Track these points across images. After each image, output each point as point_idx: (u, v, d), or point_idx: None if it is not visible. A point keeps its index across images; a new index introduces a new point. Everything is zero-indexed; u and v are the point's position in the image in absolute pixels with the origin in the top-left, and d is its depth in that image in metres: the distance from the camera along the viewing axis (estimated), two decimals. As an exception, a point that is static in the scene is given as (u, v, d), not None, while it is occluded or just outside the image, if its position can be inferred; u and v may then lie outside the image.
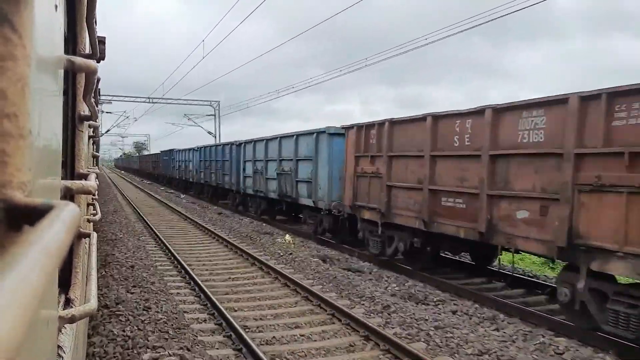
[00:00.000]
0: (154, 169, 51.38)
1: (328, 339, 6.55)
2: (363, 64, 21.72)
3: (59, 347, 1.30)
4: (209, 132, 50.06)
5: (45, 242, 0.32)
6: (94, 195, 3.46)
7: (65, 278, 1.93)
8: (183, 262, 10.57)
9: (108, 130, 52.94)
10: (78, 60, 1.21)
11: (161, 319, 6.91)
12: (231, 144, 23.39)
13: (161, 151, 46.49)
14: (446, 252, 11.75)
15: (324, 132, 14.24)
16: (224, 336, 6.50)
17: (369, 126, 11.64)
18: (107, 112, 48.88)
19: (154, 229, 15.70)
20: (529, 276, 11.02)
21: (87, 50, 2.32)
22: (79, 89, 2.06)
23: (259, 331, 6.70)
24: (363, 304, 8.00)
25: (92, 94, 2.27)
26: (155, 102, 46.71)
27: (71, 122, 2.06)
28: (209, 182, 27.31)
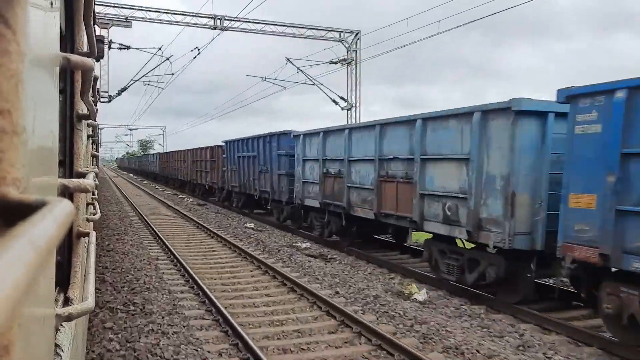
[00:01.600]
0: (205, 177, 28.18)
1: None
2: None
3: (57, 345, 1.30)
4: (339, 100, 26.17)
5: (33, 235, 0.32)
6: (92, 193, 3.46)
7: (65, 277, 1.93)
8: None
9: (126, 87, 25.26)
10: (74, 57, 1.21)
11: None
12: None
13: (226, 142, 23.35)
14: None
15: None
16: None
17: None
18: (121, 47, 23.31)
19: None
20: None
21: (85, 48, 2.32)
22: (76, 88, 2.05)
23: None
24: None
25: (90, 92, 2.27)
26: (228, 29, 23.00)
27: (69, 121, 2.06)
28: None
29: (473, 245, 9.03)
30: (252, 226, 17.52)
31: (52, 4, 0.82)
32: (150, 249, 12.65)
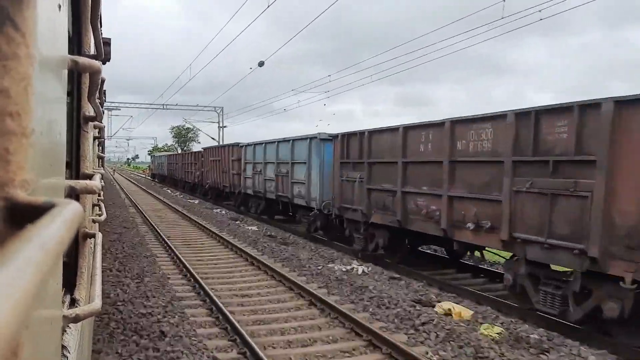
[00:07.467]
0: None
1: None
2: (365, 65, 21.10)
3: (63, 347, 1.30)
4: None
5: (43, 238, 0.32)
6: (99, 195, 3.47)
7: (71, 279, 1.94)
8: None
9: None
10: (82, 60, 1.22)
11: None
12: None
13: None
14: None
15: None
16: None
17: None
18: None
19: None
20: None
21: (92, 51, 2.33)
22: (83, 90, 2.06)
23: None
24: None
25: (97, 95, 2.28)
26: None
27: (76, 123, 2.07)
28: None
29: None
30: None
31: (59, 6, 0.82)
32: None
